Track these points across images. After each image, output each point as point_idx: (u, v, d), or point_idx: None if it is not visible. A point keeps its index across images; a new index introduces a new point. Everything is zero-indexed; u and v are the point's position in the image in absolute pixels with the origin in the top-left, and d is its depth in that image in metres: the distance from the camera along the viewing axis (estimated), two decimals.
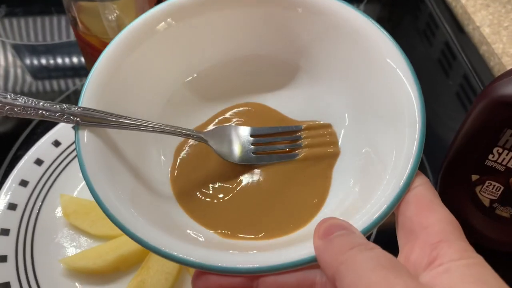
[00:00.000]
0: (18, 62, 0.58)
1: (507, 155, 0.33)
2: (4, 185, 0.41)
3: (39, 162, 0.43)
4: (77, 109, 0.26)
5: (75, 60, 0.59)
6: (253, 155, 0.32)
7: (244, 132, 0.32)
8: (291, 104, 0.35)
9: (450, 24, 0.63)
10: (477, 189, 0.36)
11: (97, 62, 0.30)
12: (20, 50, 0.60)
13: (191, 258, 0.23)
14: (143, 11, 0.48)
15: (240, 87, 0.35)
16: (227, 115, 0.34)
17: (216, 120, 0.34)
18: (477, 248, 0.20)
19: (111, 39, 0.48)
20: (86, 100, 0.27)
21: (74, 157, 0.45)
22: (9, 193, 0.41)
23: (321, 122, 0.33)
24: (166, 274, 0.37)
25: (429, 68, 0.59)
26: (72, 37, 0.61)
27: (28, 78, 0.56)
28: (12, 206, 0.40)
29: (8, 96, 0.25)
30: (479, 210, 0.37)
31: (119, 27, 0.48)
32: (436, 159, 0.48)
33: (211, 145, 0.30)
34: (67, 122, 0.26)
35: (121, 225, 0.24)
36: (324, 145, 0.32)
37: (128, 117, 0.27)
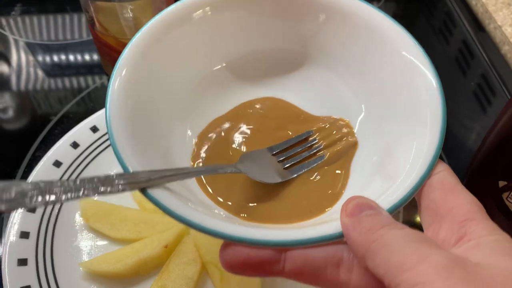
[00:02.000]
0: (32, 61, 0.58)
1: None
2: None
3: (57, 164, 0.43)
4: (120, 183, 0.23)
5: (88, 59, 0.58)
6: (285, 170, 0.31)
7: (265, 153, 0.32)
8: (309, 97, 0.35)
9: (469, 22, 0.62)
10: (504, 195, 0.35)
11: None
12: (34, 48, 0.60)
13: (222, 230, 0.23)
14: (160, 11, 0.47)
15: (263, 80, 0.36)
16: (248, 109, 0.35)
17: (238, 113, 0.35)
18: None
19: (128, 39, 0.47)
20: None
21: (93, 159, 0.44)
22: None
23: (335, 117, 0.34)
24: (187, 279, 0.36)
25: (445, 66, 0.58)
26: (86, 36, 0.60)
27: (41, 77, 0.56)
28: (31, 209, 0.40)
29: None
30: (505, 217, 0.36)
31: (137, 27, 0.48)
32: (454, 158, 0.47)
33: (249, 175, 0.29)
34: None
35: (154, 199, 0.24)
36: (342, 139, 0.33)
37: (170, 169, 0.26)
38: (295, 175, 0.31)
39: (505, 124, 0.33)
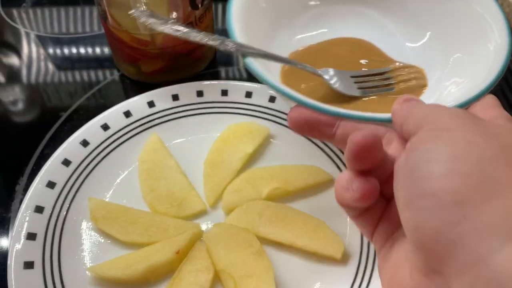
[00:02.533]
0: (42, 54, 0.56)
1: None
2: (31, 186, 0.39)
3: (66, 162, 0.41)
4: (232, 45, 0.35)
5: (100, 53, 0.57)
6: (358, 89, 0.41)
7: (345, 73, 0.41)
8: (392, 44, 0.46)
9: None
10: None
11: None
12: (44, 41, 0.58)
13: (296, 95, 0.31)
14: (175, 5, 0.46)
15: (353, 24, 0.47)
16: (338, 44, 0.46)
17: (331, 43, 0.46)
18: None
19: (141, 34, 0.46)
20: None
21: (103, 158, 0.43)
22: (36, 195, 0.39)
23: (410, 63, 0.43)
24: (199, 287, 0.35)
25: None
26: (98, 30, 0.59)
27: (52, 71, 0.54)
28: (39, 209, 0.38)
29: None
30: None
31: None
32: None
33: (327, 81, 0.40)
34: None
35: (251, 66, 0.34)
36: (413, 79, 0.42)
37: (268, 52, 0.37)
38: (366, 95, 0.40)
39: None
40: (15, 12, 0.61)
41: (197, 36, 0.36)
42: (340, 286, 0.35)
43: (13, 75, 0.54)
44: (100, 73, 0.54)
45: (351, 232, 0.38)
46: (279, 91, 0.33)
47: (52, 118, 0.48)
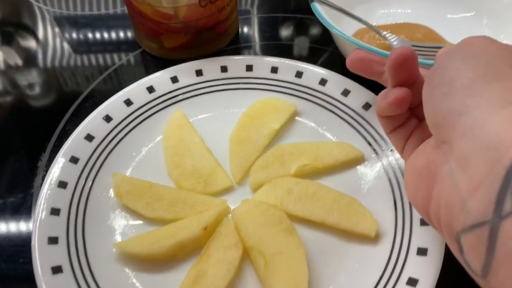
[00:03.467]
0: (59, 34, 0.55)
1: None
2: (54, 161, 0.38)
3: (89, 138, 0.40)
4: None
5: (121, 30, 0.55)
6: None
7: (408, 43, 0.45)
8: (444, 28, 0.50)
9: None
10: None
11: None
12: (61, 21, 0.57)
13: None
14: None
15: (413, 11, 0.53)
16: (406, 26, 0.50)
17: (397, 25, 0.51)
18: None
19: (163, 7, 0.44)
20: None
21: (126, 133, 0.42)
22: (60, 170, 0.38)
23: None
24: (228, 264, 0.33)
25: None
26: (112, 10, 0.57)
27: (71, 49, 0.53)
28: (62, 184, 0.37)
29: None
30: None
31: None
32: None
33: (389, 41, 0.45)
34: None
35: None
36: None
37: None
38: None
39: None
40: None
41: None
42: (373, 266, 0.34)
43: (33, 56, 0.53)
44: (122, 50, 0.53)
45: (384, 211, 0.37)
46: (337, 31, 0.41)
47: (73, 95, 0.47)
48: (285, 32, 0.55)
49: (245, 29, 0.55)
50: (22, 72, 0.51)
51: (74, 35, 0.55)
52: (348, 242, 0.36)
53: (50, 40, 0.54)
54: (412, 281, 0.32)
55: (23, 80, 0.50)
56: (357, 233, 0.35)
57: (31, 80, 0.50)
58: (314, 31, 0.55)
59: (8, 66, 0.51)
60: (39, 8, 0.59)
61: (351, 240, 0.35)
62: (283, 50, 0.52)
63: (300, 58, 0.50)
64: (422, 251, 0.33)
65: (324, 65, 0.46)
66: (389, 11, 0.53)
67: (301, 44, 0.53)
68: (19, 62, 0.52)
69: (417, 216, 0.35)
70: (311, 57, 0.51)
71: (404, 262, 0.33)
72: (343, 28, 0.42)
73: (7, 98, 0.48)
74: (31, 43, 0.54)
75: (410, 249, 0.34)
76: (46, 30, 0.56)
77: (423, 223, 0.34)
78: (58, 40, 0.54)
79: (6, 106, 0.47)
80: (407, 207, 0.36)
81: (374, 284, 0.33)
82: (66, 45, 0.54)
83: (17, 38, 0.55)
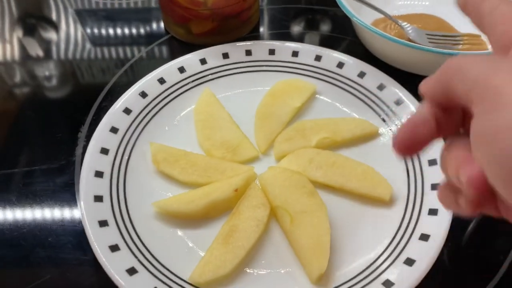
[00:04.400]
0: (79, 27, 0.59)
1: None
2: (96, 130, 0.42)
3: (127, 111, 0.44)
4: None
5: (150, 18, 0.59)
6: (429, 43, 0.49)
7: (423, 31, 0.50)
8: (456, 19, 0.53)
9: None
10: None
11: None
12: (81, 15, 0.61)
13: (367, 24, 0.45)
14: None
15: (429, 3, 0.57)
16: (419, 17, 0.54)
17: (410, 16, 0.54)
18: None
19: None
20: None
21: (161, 108, 0.46)
22: (102, 138, 0.42)
23: (474, 33, 0.51)
24: (257, 221, 0.37)
25: None
26: (133, 4, 0.61)
27: (88, 45, 0.56)
28: (104, 151, 0.41)
29: None
30: None
31: None
32: None
33: (405, 30, 0.50)
34: None
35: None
36: (477, 45, 0.50)
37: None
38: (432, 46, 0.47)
39: None
40: None
41: None
42: (389, 225, 0.37)
43: (74, 38, 0.57)
44: (150, 37, 0.57)
45: (398, 177, 0.40)
46: (357, 20, 0.45)
47: (109, 75, 0.51)
48: (303, 22, 0.59)
49: (266, 18, 0.59)
50: (66, 56, 0.55)
51: (96, 27, 0.59)
52: (365, 205, 0.39)
53: (71, 31, 0.58)
54: (424, 237, 0.35)
55: (66, 64, 0.54)
56: (373, 197, 0.39)
57: (75, 63, 0.54)
58: (333, 21, 0.58)
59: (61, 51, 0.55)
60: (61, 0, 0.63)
61: (368, 203, 0.39)
62: (302, 38, 0.56)
63: (322, 45, 0.54)
64: (433, 211, 0.37)
65: (345, 52, 0.50)
66: (406, 2, 0.57)
67: (320, 33, 0.57)
68: (40, 53, 0.56)
69: (428, 182, 0.39)
70: (331, 45, 0.55)
71: (416, 221, 0.37)
72: (362, 18, 0.46)
73: (49, 79, 0.52)
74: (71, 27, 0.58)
75: (422, 210, 0.37)
76: (68, 23, 0.60)
77: (433, 187, 0.38)
78: (79, 34, 0.58)
79: (53, 81, 0.51)
80: (419, 174, 0.40)
81: (390, 240, 0.36)
82: (86, 36, 0.57)
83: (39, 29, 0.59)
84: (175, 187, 0.41)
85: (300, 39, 0.56)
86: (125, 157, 0.42)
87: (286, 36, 0.56)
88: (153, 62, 0.53)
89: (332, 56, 0.49)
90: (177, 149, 0.42)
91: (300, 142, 0.43)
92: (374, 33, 0.44)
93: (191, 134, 0.44)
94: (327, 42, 0.56)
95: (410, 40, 0.49)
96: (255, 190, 0.39)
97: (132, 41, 0.56)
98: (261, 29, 0.57)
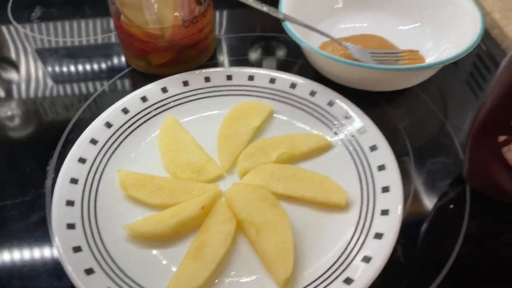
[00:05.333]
0: (41, 66, 0.61)
1: None
2: (65, 162, 0.44)
3: (94, 141, 0.46)
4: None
5: (112, 53, 0.62)
6: (373, 61, 0.53)
7: (367, 50, 0.55)
8: (396, 37, 0.59)
9: None
10: (504, 150, 0.39)
11: None
12: (42, 54, 0.63)
13: (313, 47, 0.49)
14: (182, 3, 0.51)
15: (369, 25, 0.62)
16: (360, 38, 0.58)
17: (354, 37, 0.58)
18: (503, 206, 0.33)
19: (151, 28, 0.52)
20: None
21: (126, 137, 0.48)
22: (70, 168, 0.43)
23: (413, 49, 0.56)
24: (225, 234, 0.39)
25: None
26: (93, 41, 0.64)
27: (50, 82, 0.58)
28: (74, 181, 0.43)
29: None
30: (505, 169, 0.39)
31: (160, 18, 0.52)
32: (458, 127, 0.51)
33: (350, 50, 0.54)
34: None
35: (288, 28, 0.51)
36: (416, 59, 0.55)
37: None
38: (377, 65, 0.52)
39: (501, 81, 0.36)
40: (19, 26, 0.66)
41: (258, 4, 0.53)
42: (346, 228, 0.41)
43: (16, 86, 0.58)
44: (112, 70, 0.59)
45: (351, 183, 0.44)
46: (306, 45, 0.49)
47: (75, 107, 0.53)
48: (259, 48, 0.63)
49: (224, 47, 0.63)
50: (28, 92, 0.56)
51: (63, 63, 0.61)
52: (324, 211, 0.42)
53: (32, 71, 0.60)
54: (378, 235, 0.38)
55: (28, 103, 0.55)
56: (331, 203, 0.42)
57: (38, 101, 0.55)
58: (286, 46, 0.62)
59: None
60: (21, 40, 0.65)
61: (327, 209, 0.42)
62: (259, 64, 0.60)
63: (276, 69, 0.57)
64: (385, 212, 0.40)
65: (297, 73, 0.53)
66: (348, 25, 0.62)
67: (275, 57, 0.61)
68: (1, 93, 0.57)
69: (379, 185, 0.42)
70: (286, 68, 0.59)
71: (371, 221, 0.40)
72: (310, 42, 0.50)
73: (11, 119, 0.53)
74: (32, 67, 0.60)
75: (375, 211, 0.41)
76: (28, 62, 0.61)
77: (384, 190, 0.42)
78: (40, 72, 0.60)
79: (17, 120, 0.52)
80: (370, 180, 0.43)
81: (348, 241, 0.39)
82: (47, 75, 0.59)
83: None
84: (145, 210, 0.43)
85: (257, 64, 0.60)
86: (95, 185, 0.44)
87: (243, 62, 0.60)
88: (116, 94, 0.55)
89: (285, 78, 0.52)
90: (144, 174, 0.44)
91: (261, 159, 0.46)
92: (322, 56, 0.48)
93: (157, 159, 0.47)
94: (281, 65, 0.60)
95: (355, 59, 0.53)
96: (221, 206, 0.42)
97: (94, 76, 0.58)
98: (221, 57, 0.61)
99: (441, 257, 0.40)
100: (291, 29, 0.51)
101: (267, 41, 0.63)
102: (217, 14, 0.68)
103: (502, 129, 0.39)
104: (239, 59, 0.60)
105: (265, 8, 0.53)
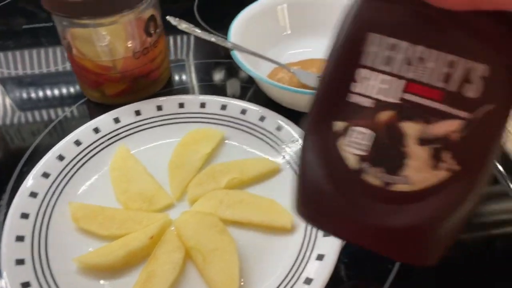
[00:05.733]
0: (5, 94, 0.61)
1: (376, 79, 0.22)
2: (16, 196, 0.44)
3: (46, 175, 0.47)
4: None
5: (67, 87, 0.63)
6: None
7: (313, 74, 0.56)
8: None
9: None
10: (340, 142, 0.24)
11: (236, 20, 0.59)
12: (6, 82, 0.63)
13: (258, 74, 0.51)
14: (132, 35, 0.53)
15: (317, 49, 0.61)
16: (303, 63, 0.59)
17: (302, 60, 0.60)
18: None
19: (103, 61, 0.53)
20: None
21: (78, 169, 0.49)
22: (21, 204, 0.44)
23: None
24: (173, 264, 0.40)
25: None
26: (59, 67, 0.65)
27: (16, 110, 0.59)
28: (24, 216, 0.43)
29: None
30: (339, 175, 0.24)
31: (111, 50, 0.53)
32: None
33: (296, 75, 0.56)
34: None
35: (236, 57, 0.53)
36: None
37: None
38: None
39: (336, 38, 0.24)
40: None
41: (207, 35, 0.56)
42: (292, 249, 0.42)
43: None
44: (69, 101, 0.60)
45: None
46: (253, 74, 0.50)
47: (29, 142, 0.54)
48: (214, 75, 0.64)
49: (179, 74, 0.64)
50: None
51: (19, 94, 0.62)
52: (271, 234, 0.44)
53: (13, 88, 0.61)
54: (320, 257, 0.40)
55: None
56: (277, 227, 0.43)
57: None
58: (240, 73, 0.64)
59: None
60: None
61: (274, 232, 0.44)
62: (214, 90, 0.61)
63: (229, 96, 0.59)
64: (327, 234, 0.42)
65: (251, 99, 0.55)
66: (297, 51, 0.64)
67: (230, 84, 0.63)
68: None
69: None
70: (240, 94, 0.61)
71: (314, 243, 0.42)
72: (262, 68, 0.52)
73: None
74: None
75: (318, 233, 0.42)
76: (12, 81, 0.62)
77: None
78: (7, 99, 0.61)
79: None
80: None
81: (293, 262, 0.41)
82: (12, 103, 0.60)
83: None
84: (96, 242, 0.43)
85: (212, 91, 0.61)
86: (46, 219, 0.44)
87: (199, 88, 0.61)
88: (72, 125, 0.56)
89: (236, 104, 0.54)
90: (95, 205, 0.45)
91: (211, 185, 0.47)
92: (267, 84, 0.50)
93: (109, 190, 0.47)
94: (235, 91, 0.61)
95: (303, 84, 0.55)
96: (170, 236, 0.43)
97: (50, 107, 0.59)
98: (176, 85, 0.62)
99: (382, 274, 0.41)
100: (239, 58, 0.53)
101: (224, 67, 0.65)
102: (171, 40, 0.70)
103: (338, 109, 0.24)
104: (195, 85, 0.62)
105: (213, 39, 0.54)
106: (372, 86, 0.23)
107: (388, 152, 0.23)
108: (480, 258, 0.43)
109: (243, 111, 0.54)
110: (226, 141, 0.53)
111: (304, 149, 0.25)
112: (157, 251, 0.41)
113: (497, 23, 0.20)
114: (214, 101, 0.54)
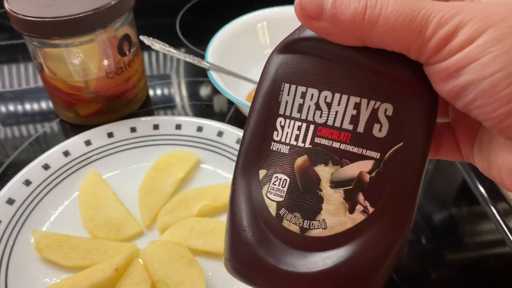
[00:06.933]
0: None
1: (290, 126, 0.23)
2: None
3: (10, 201, 0.45)
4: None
5: (41, 105, 0.61)
6: None
7: None
8: None
9: None
10: (264, 190, 0.24)
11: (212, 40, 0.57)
12: None
13: (233, 95, 0.48)
14: (106, 54, 0.51)
15: None
16: None
17: None
18: None
19: (75, 81, 0.51)
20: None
21: (45, 194, 0.47)
22: None
23: None
24: None
25: None
26: (34, 84, 0.63)
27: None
28: None
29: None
30: (264, 223, 0.24)
31: (84, 70, 0.51)
32: None
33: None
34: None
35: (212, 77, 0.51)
36: None
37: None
38: None
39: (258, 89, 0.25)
40: None
41: (182, 55, 0.54)
42: None
43: None
44: (43, 120, 0.58)
45: None
46: (228, 95, 0.48)
47: None
48: (196, 94, 0.63)
49: (158, 92, 0.63)
50: None
51: (2, 109, 0.60)
52: None
53: None
54: None
55: None
56: None
57: None
58: (216, 92, 0.63)
59: None
60: None
61: None
62: (194, 110, 0.60)
63: (210, 115, 0.58)
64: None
65: (231, 119, 0.54)
66: None
67: (209, 103, 0.61)
68: None
69: None
70: (219, 114, 0.59)
71: None
72: (242, 86, 0.50)
73: None
74: None
75: None
76: None
77: None
78: None
79: None
80: None
81: None
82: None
83: None
84: (60, 273, 0.41)
85: (190, 111, 0.60)
86: (8, 247, 0.42)
87: (177, 108, 0.60)
88: (43, 148, 0.55)
89: (213, 126, 0.52)
90: (60, 234, 0.43)
91: (183, 213, 0.45)
92: (240, 104, 0.48)
93: (77, 217, 0.46)
94: (215, 111, 0.60)
95: None
96: (136, 267, 0.41)
97: (19, 129, 0.57)
98: (153, 104, 0.61)
99: None
100: (215, 78, 0.51)
101: (205, 86, 0.64)
102: (153, 57, 0.69)
103: (263, 157, 0.24)
104: (174, 105, 0.60)
105: (188, 59, 0.53)
106: (288, 133, 0.24)
107: (305, 197, 0.23)
108: (460, 281, 0.41)
109: (220, 133, 0.52)
110: (202, 165, 0.51)
111: (232, 199, 0.26)
112: (122, 284, 0.39)
113: (396, 64, 0.21)
114: (190, 123, 0.53)
